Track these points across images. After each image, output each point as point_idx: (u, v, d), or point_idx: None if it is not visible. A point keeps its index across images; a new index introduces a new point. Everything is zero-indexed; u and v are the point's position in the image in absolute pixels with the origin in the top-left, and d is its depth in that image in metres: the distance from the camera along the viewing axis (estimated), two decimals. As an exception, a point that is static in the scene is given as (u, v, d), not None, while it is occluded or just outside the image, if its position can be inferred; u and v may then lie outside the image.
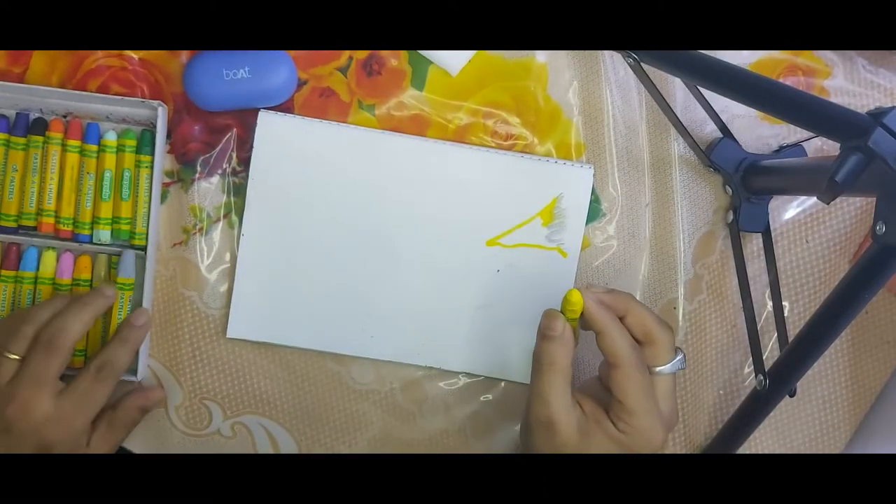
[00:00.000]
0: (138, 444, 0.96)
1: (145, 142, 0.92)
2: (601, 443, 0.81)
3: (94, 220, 0.92)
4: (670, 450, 0.97)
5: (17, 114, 0.92)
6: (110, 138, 0.91)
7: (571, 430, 0.81)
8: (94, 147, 0.91)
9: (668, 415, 0.83)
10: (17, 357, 0.83)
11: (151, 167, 0.91)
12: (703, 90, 0.90)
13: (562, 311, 0.84)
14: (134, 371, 0.92)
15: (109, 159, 0.91)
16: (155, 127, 0.91)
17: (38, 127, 0.91)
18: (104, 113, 0.91)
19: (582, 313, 0.83)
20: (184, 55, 0.92)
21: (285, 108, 0.93)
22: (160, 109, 0.89)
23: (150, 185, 0.92)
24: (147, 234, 0.91)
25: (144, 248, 0.92)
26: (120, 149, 0.91)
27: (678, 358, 0.83)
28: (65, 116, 0.92)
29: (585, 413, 0.83)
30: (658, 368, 0.83)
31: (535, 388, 0.83)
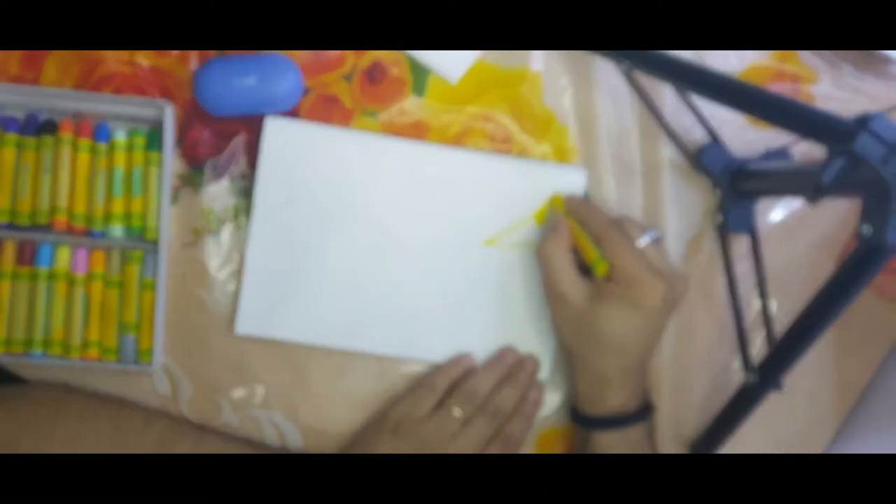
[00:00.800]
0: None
1: (154, 140, 0.93)
2: (610, 304, 0.87)
3: (107, 216, 0.93)
4: (659, 442, 0.98)
5: (27, 115, 0.93)
6: (120, 137, 0.93)
7: (581, 298, 0.89)
8: (104, 146, 0.93)
9: (668, 271, 0.88)
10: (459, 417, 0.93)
11: (160, 164, 0.93)
12: (692, 96, 0.92)
13: None
14: (150, 363, 0.94)
15: (119, 157, 0.93)
16: (163, 125, 0.92)
17: (49, 128, 0.92)
18: (113, 113, 0.93)
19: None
20: (193, 63, 0.94)
21: (291, 114, 0.95)
22: (167, 108, 0.91)
23: (159, 181, 0.93)
24: (158, 228, 0.93)
25: (156, 242, 0.93)
26: (129, 147, 0.93)
27: (650, 230, 0.90)
28: (74, 117, 0.93)
29: (592, 284, 0.89)
30: (637, 242, 0.88)
31: (543, 272, 0.93)
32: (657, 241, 0.90)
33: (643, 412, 0.93)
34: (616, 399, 0.90)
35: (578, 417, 0.95)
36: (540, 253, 0.92)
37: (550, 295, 0.92)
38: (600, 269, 0.87)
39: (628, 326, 0.87)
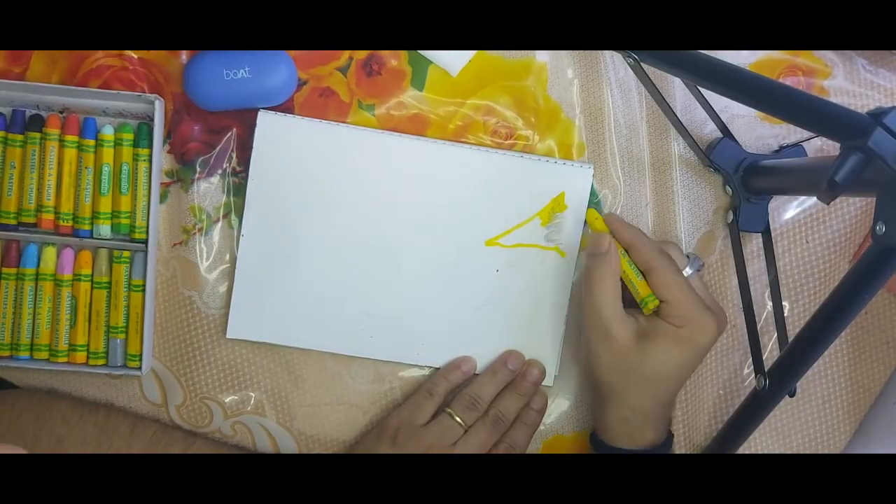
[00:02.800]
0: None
1: (143, 135, 0.92)
2: (661, 343, 0.85)
3: (94, 215, 0.91)
4: (670, 449, 0.96)
5: (13, 111, 0.91)
6: (107, 132, 0.91)
7: (628, 336, 0.86)
8: (92, 142, 0.91)
9: (716, 306, 0.88)
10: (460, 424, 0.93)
11: (150, 160, 0.91)
12: (703, 90, 0.90)
13: None
14: (139, 367, 0.92)
15: (107, 154, 0.91)
16: (152, 121, 0.90)
17: (35, 123, 0.91)
18: (101, 108, 0.91)
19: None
20: (184, 55, 0.92)
21: (285, 108, 0.93)
22: (157, 103, 0.89)
23: (148, 178, 0.92)
24: (147, 227, 0.91)
25: (145, 242, 0.91)
26: (117, 143, 0.91)
27: (693, 259, 0.89)
28: (61, 112, 0.92)
29: (639, 321, 0.87)
30: (684, 272, 0.88)
31: (588, 302, 0.89)
32: (700, 271, 0.89)
33: (668, 442, 0.92)
34: (650, 433, 0.89)
35: (604, 448, 0.93)
36: (586, 281, 0.89)
37: (594, 330, 0.88)
38: (650, 307, 0.87)
39: (675, 363, 0.86)
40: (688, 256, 0.91)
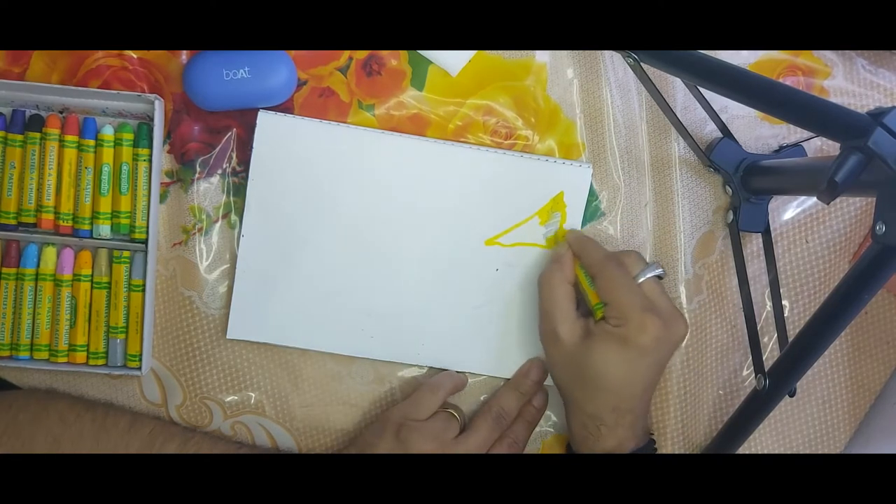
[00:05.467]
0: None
1: (143, 135, 0.92)
2: (600, 343, 0.86)
3: (94, 215, 0.91)
4: (670, 449, 0.97)
5: (13, 111, 0.91)
6: (107, 132, 0.91)
7: (575, 339, 0.88)
8: (92, 142, 0.91)
9: (665, 310, 0.86)
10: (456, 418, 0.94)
11: (149, 160, 0.91)
12: (702, 90, 0.90)
13: None
14: (139, 367, 0.92)
15: (107, 153, 0.91)
16: (152, 121, 0.90)
17: (35, 123, 0.91)
18: (101, 108, 0.91)
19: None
20: (184, 55, 0.92)
21: (285, 108, 0.93)
22: (157, 103, 0.89)
23: (148, 178, 0.91)
24: (147, 227, 0.91)
25: (145, 242, 0.91)
26: (117, 143, 0.91)
27: (652, 265, 0.88)
28: (61, 112, 0.92)
29: (588, 325, 0.88)
30: (635, 277, 0.88)
31: (541, 308, 0.92)
32: (660, 277, 0.89)
33: (641, 452, 0.89)
34: (610, 441, 0.87)
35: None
36: (540, 287, 0.92)
37: (545, 334, 0.91)
38: (599, 314, 0.87)
39: (620, 366, 0.85)
40: (650, 264, 0.90)
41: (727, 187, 0.95)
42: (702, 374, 0.98)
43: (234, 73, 0.89)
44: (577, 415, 0.89)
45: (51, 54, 0.92)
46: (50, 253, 0.92)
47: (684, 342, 0.95)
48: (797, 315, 0.99)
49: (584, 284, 0.90)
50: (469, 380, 0.97)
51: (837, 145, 0.69)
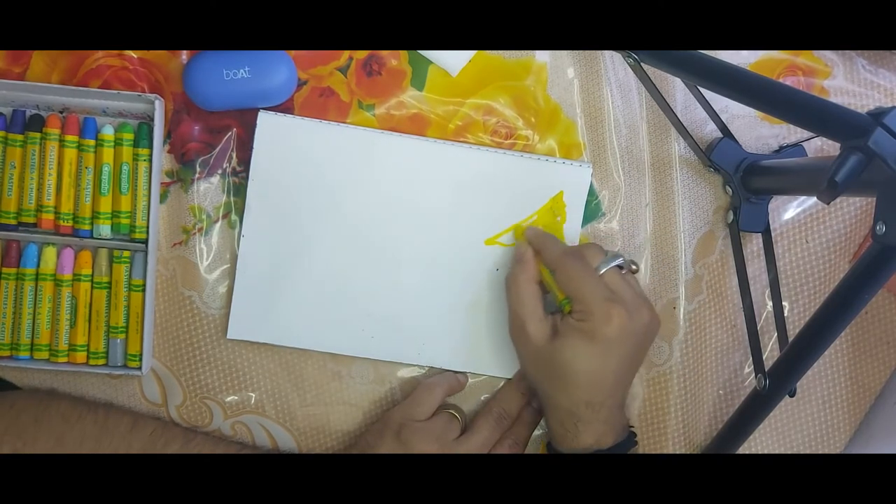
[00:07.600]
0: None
1: (143, 135, 0.91)
2: (567, 338, 0.85)
3: (94, 215, 0.91)
4: (670, 449, 0.97)
5: (13, 111, 0.91)
6: (107, 132, 0.91)
7: (543, 336, 0.87)
8: (92, 142, 0.91)
9: (629, 300, 0.86)
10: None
11: (150, 160, 0.91)
12: (703, 90, 0.90)
13: None
14: (139, 367, 0.92)
15: (107, 153, 0.91)
16: (152, 121, 0.90)
17: (35, 123, 0.91)
18: (101, 108, 0.91)
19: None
20: (184, 55, 0.92)
21: (285, 107, 0.93)
22: (157, 102, 0.89)
23: (148, 178, 0.91)
24: (147, 227, 0.91)
25: (145, 242, 0.91)
26: (118, 143, 0.91)
27: (612, 256, 0.87)
28: (62, 112, 0.92)
29: (556, 322, 0.88)
30: (597, 269, 0.87)
31: (509, 308, 0.92)
32: (622, 268, 0.88)
33: (622, 446, 0.88)
34: (588, 436, 0.87)
35: (551, 451, 0.93)
36: (507, 288, 0.92)
37: (514, 331, 0.91)
38: (566, 309, 0.87)
39: (588, 360, 0.85)
40: (611, 255, 0.88)
41: (727, 187, 0.95)
42: (702, 374, 0.98)
43: (234, 73, 0.89)
44: (554, 412, 0.89)
45: (51, 54, 0.92)
46: (50, 253, 0.92)
47: (680, 338, 0.96)
48: (797, 315, 0.99)
49: (548, 281, 0.89)
50: (469, 380, 0.97)
51: (837, 145, 0.69)
